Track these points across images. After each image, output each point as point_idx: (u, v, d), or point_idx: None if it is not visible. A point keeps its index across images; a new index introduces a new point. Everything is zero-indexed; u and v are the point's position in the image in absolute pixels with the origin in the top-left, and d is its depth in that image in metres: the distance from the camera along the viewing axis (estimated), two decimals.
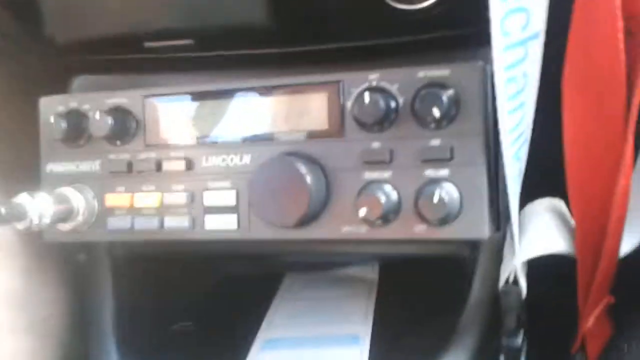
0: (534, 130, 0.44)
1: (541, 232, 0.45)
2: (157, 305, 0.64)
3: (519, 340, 0.48)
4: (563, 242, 0.45)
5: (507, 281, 0.46)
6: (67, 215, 0.51)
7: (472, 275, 0.52)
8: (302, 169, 0.45)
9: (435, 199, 0.42)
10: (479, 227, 0.44)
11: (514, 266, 0.45)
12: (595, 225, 0.42)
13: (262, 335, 0.62)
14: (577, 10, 0.38)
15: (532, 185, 0.45)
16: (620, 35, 0.37)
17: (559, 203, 0.47)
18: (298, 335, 0.61)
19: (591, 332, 0.47)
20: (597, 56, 0.38)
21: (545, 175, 0.46)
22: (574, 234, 0.45)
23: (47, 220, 0.49)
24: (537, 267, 0.46)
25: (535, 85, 0.41)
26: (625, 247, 0.44)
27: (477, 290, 0.51)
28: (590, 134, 0.40)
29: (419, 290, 0.66)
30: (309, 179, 0.45)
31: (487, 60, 0.45)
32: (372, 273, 0.71)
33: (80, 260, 0.64)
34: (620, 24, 0.37)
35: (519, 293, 0.46)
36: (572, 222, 0.46)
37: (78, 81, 0.60)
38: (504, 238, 0.49)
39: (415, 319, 0.60)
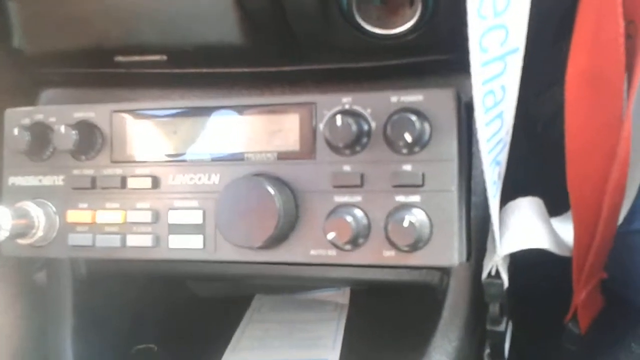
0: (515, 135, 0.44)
1: (521, 228, 0.46)
2: (118, 325, 0.62)
3: (503, 326, 0.49)
4: (542, 238, 0.46)
5: (489, 274, 0.47)
6: (26, 230, 0.49)
7: (442, 302, 0.51)
8: (271, 189, 0.44)
9: (406, 224, 0.42)
10: (448, 254, 0.43)
11: (495, 261, 0.46)
12: (590, 209, 0.43)
13: (228, 357, 0.61)
14: (581, 14, 0.39)
15: (512, 186, 0.46)
16: (622, 39, 0.38)
17: (538, 201, 0.47)
18: (264, 359, 0.60)
19: (583, 304, 0.49)
20: (600, 57, 0.39)
21: (525, 176, 0.46)
22: (552, 230, 0.47)
23: (5, 234, 0.48)
24: (521, 259, 0.47)
25: (514, 95, 0.41)
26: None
27: (447, 316, 0.50)
28: (589, 126, 0.41)
29: (389, 316, 0.65)
30: (277, 200, 0.44)
31: (461, 86, 0.46)
32: (342, 297, 0.70)
33: (40, 276, 0.62)
34: (622, 28, 0.38)
35: (501, 285, 0.47)
36: (550, 220, 0.48)
37: (46, 95, 0.58)
38: (475, 267, 0.49)
39: (385, 345, 0.59)
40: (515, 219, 0.47)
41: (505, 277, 0.47)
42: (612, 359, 0.51)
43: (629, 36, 0.39)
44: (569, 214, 0.47)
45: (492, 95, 0.40)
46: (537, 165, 0.59)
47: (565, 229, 0.49)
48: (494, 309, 0.49)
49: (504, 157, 0.44)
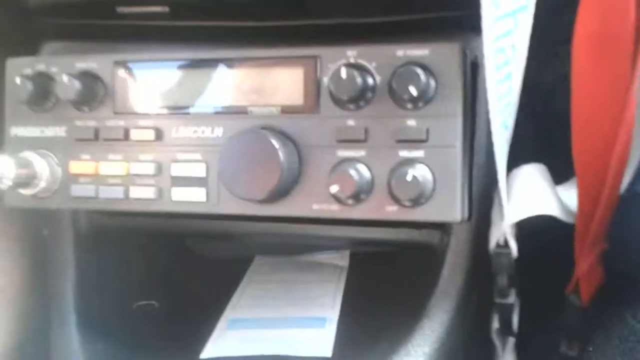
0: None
1: (528, 195, 0.45)
2: (120, 281, 0.62)
3: (511, 298, 0.48)
4: (549, 204, 0.46)
5: (497, 244, 0.46)
6: (29, 180, 0.49)
7: (442, 262, 0.51)
8: (275, 142, 0.44)
9: (409, 179, 0.42)
10: (450, 209, 0.43)
11: (503, 230, 0.45)
12: (595, 175, 0.43)
13: (228, 315, 0.61)
14: None
15: (517, 152, 0.45)
16: (633, 5, 0.37)
17: (542, 167, 0.47)
18: (264, 316, 0.60)
19: (585, 276, 0.49)
20: (610, 17, 0.38)
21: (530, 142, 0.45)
22: (558, 196, 0.46)
23: (8, 182, 0.48)
24: (527, 228, 0.47)
25: (523, 56, 0.41)
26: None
27: (447, 275, 0.50)
28: (597, 88, 0.40)
29: (389, 278, 0.66)
30: (281, 153, 0.44)
31: (467, 44, 0.45)
32: (342, 260, 0.71)
33: (43, 234, 0.62)
34: None
35: (510, 254, 0.46)
36: (554, 186, 0.47)
37: (48, 47, 0.58)
38: (476, 226, 0.49)
39: (384, 304, 0.60)
40: (521, 185, 0.46)
41: (513, 245, 0.46)
42: (606, 331, 0.51)
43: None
44: (572, 181, 0.47)
45: (502, 54, 0.39)
46: (536, 137, 0.58)
47: (569, 197, 0.48)
48: (502, 280, 0.48)
49: (511, 122, 0.43)
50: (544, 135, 0.58)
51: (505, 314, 0.50)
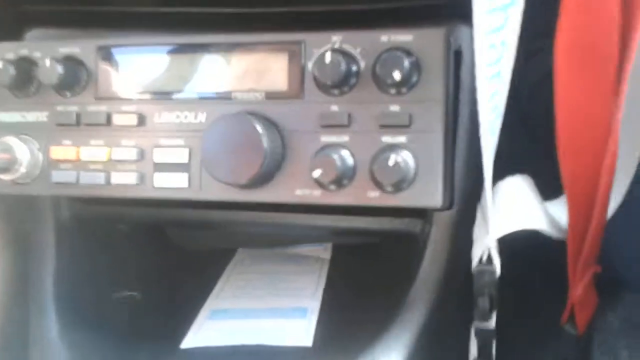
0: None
1: (514, 208, 0.44)
2: (101, 271, 0.62)
3: (492, 322, 0.46)
4: (536, 218, 0.45)
5: (480, 261, 0.45)
6: (9, 165, 0.49)
7: (423, 251, 0.51)
8: (258, 127, 0.44)
9: (391, 164, 0.42)
10: (432, 195, 0.43)
11: (487, 245, 0.44)
12: (584, 193, 0.42)
13: (209, 305, 0.61)
14: None
15: (499, 164, 0.44)
16: (616, 12, 0.36)
17: (528, 179, 0.46)
18: (246, 306, 0.60)
19: (580, 301, 0.47)
20: (592, 24, 0.37)
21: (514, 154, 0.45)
22: (546, 211, 0.45)
23: None
24: (509, 246, 0.45)
25: (512, 56, 0.40)
26: (609, 210, 0.44)
27: (427, 265, 0.51)
28: (581, 100, 0.39)
29: (370, 270, 0.66)
30: (264, 138, 0.44)
31: (451, 32, 0.46)
32: (324, 252, 0.71)
33: (24, 222, 0.61)
34: None
35: (493, 272, 0.45)
36: (540, 200, 0.45)
37: (31, 34, 0.57)
38: (457, 216, 0.49)
39: (365, 296, 0.60)
40: (507, 198, 0.44)
41: (497, 262, 0.45)
42: (590, 328, 0.51)
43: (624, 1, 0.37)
44: (562, 198, 0.46)
45: (493, 50, 0.38)
46: (522, 142, 0.58)
47: (558, 212, 0.46)
48: (484, 302, 0.45)
49: (497, 128, 0.42)
50: (530, 133, 0.57)
51: (485, 340, 0.48)
